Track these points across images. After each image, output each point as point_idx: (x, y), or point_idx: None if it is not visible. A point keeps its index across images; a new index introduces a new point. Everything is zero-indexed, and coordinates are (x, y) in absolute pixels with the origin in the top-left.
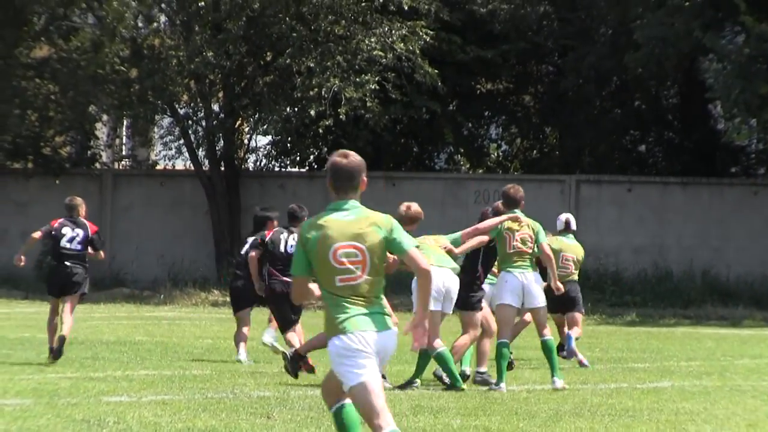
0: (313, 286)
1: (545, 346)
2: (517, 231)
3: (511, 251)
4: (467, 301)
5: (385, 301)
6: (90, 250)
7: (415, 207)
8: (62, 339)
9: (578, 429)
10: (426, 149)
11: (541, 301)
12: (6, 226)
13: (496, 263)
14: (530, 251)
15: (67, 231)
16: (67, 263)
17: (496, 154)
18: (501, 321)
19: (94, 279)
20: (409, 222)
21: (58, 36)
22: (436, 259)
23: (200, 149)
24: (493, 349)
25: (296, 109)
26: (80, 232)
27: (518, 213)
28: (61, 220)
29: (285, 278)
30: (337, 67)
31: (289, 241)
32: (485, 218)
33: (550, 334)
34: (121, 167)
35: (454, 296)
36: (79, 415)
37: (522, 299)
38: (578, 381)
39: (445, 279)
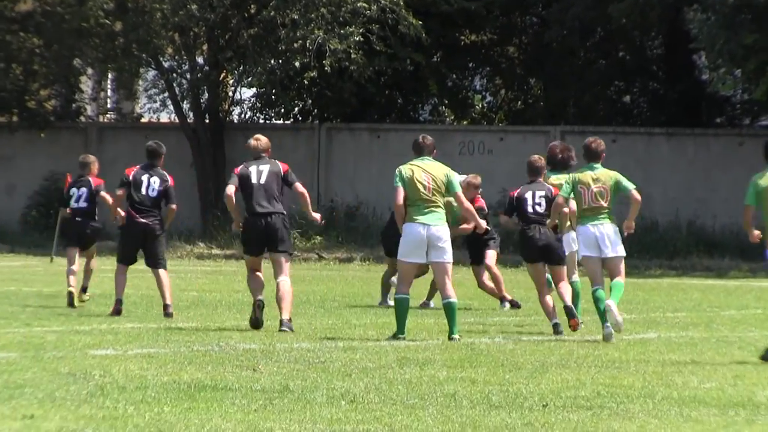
0: None
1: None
2: (593, 185)
3: (586, 206)
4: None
5: None
6: (109, 198)
7: None
8: (84, 288)
9: (564, 380)
10: (410, 101)
11: (611, 252)
12: None
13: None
14: (606, 205)
15: (74, 191)
16: (78, 219)
17: (480, 106)
18: (588, 272)
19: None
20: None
21: None
22: (426, 218)
23: (185, 102)
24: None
25: (280, 61)
26: (84, 190)
27: (598, 167)
28: (69, 182)
29: (141, 219)
30: (321, 19)
31: (151, 182)
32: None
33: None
34: (106, 120)
35: (443, 245)
36: (65, 368)
37: (600, 249)
38: (564, 333)
39: (429, 231)
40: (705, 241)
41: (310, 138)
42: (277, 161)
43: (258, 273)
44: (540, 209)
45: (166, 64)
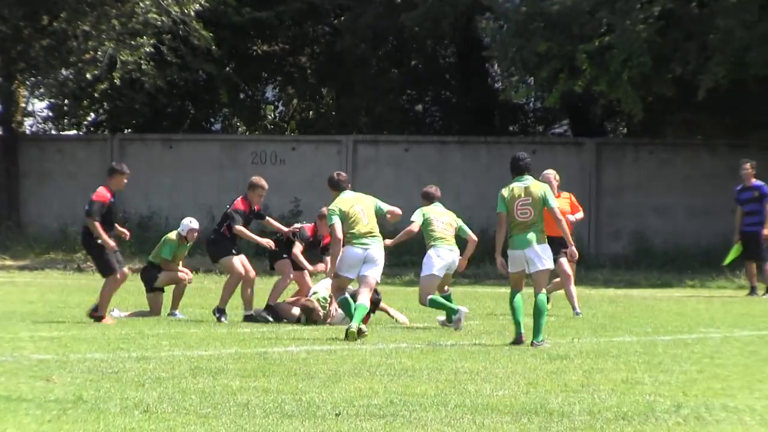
0: None
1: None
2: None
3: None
4: None
5: None
6: None
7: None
8: None
9: (357, 389)
10: (203, 112)
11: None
12: None
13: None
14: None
15: None
16: None
17: (272, 116)
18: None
19: None
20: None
21: None
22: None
23: None
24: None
25: (72, 72)
26: None
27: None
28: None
29: None
30: (112, 30)
31: None
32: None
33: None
34: None
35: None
36: None
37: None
38: (358, 342)
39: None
40: (491, 249)
41: (102, 149)
42: None
43: None
44: None
45: None
